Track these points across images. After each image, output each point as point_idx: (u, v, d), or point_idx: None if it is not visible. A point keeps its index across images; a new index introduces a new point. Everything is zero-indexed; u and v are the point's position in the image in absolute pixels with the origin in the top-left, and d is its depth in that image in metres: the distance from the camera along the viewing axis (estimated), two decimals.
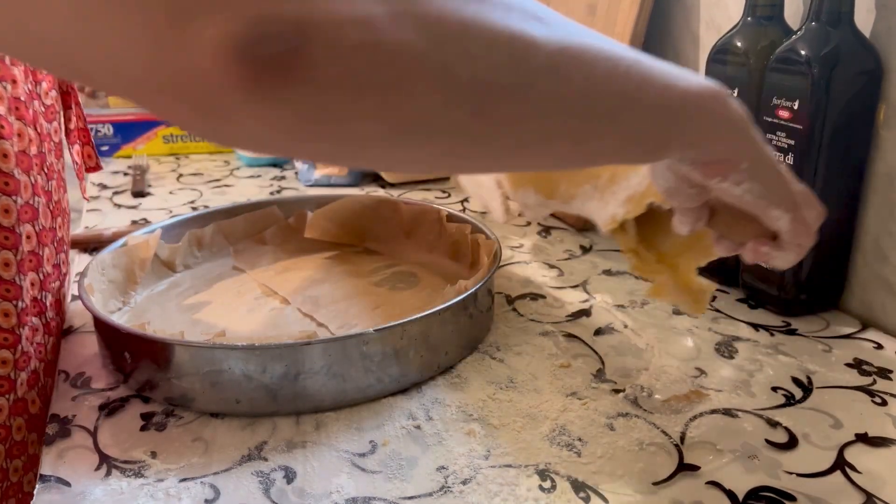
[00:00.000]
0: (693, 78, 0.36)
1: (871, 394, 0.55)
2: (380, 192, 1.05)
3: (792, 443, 0.50)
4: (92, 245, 0.82)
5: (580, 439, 0.50)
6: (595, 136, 0.34)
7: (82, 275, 0.62)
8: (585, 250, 0.83)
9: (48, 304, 0.60)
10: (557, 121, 0.32)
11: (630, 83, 0.33)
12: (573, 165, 0.41)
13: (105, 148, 1.22)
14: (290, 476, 0.47)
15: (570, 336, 0.64)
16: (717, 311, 0.68)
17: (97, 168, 0.76)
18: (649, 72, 0.34)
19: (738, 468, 0.47)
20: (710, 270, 0.73)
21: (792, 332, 0.64)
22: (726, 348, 0.61)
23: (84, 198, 0.79)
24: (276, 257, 0.78)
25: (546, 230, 0.89)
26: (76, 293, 0.66)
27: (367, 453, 0.49)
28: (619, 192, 0.60)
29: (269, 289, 0.71)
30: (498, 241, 0.68)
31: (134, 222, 0.92)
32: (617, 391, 0.55)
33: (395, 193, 1.03)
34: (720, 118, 0.38)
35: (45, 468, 0.48)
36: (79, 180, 0.75)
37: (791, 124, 0.61)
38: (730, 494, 0.45)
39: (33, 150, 0.58)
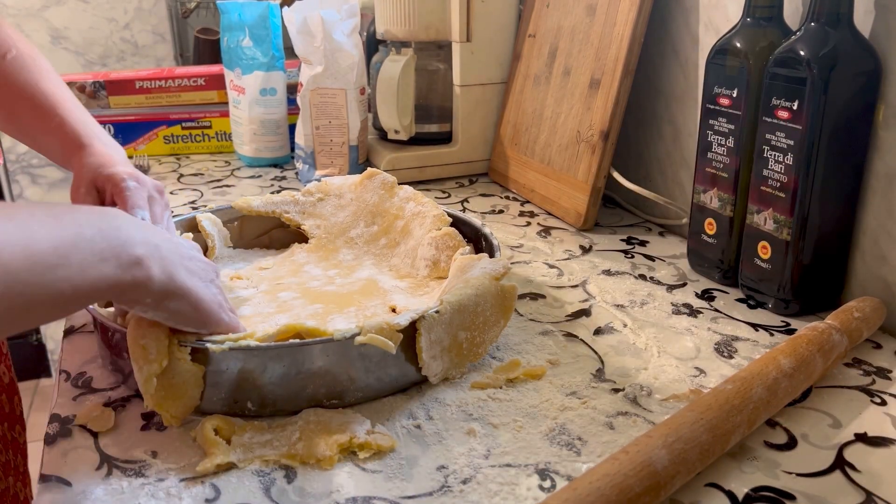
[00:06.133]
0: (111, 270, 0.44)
1: (871, 393, 0.55)
2: None
3: (791, 443, 0.50)
4: None
5: (580, 438, 0.50)
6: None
7: None
8: (585, 250, 0.83)
9: None
10: None
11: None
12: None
13: None
14: (290, 475, 0.47)
15: (569, 336, 0.64)
16: (717, 310, 0.68)
17: None
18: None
19: (737, 468, 0.47)
20: (709, 270, 0.73)
21: (791, 332, 0.64)
22: (726, 348, 0.62)
23: None
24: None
25: (546, 230, 0.89)
26: None
27: None
28: None
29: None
30: (495, 240, 0.68)
31: None
32: (616, 390, 0.56)
33: None
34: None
35: (46, 468, 0.48)
36: None
37: (790, 125, 0.61)
38: (729, 494, 0.45)
39: None
